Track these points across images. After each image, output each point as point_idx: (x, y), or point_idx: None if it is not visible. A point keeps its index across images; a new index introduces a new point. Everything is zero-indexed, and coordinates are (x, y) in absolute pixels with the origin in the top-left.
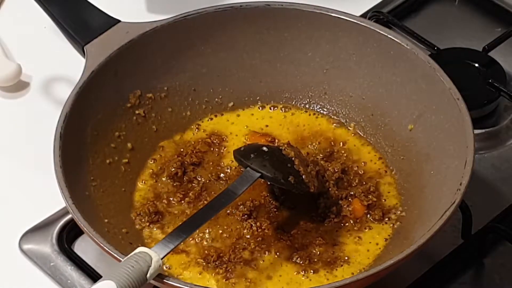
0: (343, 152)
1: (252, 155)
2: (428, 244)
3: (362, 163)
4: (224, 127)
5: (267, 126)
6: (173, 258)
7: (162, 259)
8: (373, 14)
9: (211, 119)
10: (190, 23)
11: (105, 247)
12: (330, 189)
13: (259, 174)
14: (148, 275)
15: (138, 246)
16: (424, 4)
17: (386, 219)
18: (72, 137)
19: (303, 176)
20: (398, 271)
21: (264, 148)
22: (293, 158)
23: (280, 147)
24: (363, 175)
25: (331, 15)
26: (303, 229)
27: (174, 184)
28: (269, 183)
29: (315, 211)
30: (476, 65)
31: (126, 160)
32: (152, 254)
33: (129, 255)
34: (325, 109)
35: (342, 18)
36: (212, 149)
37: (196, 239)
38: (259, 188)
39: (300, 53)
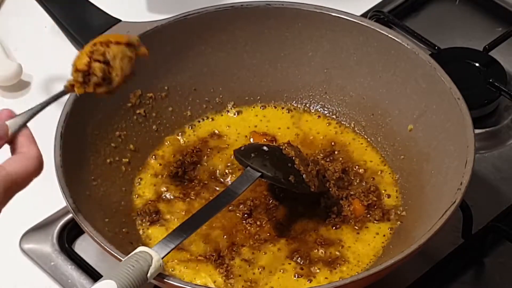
0: (343, 151)
1: (252, 155)
2: (429, 243)
3: (363, 163)
4: (224, 126)
5: (267, 125)
6: (174, 257)
7: (162, 258)
8: (374, 14)
9: (212, 118)
10: (190, 22)
11: (105, 247)
12: (330, 189)
13: (259, 174)
14: (148, 274)
15: (139, 246)
16: (425, 4)
17: (387, 218)
18: (73, 137)
19: (304, 176)
20: (398, 270)
21: (265, 148)
22: (293, 158)
23: (281, 147)
24: (364, 175)
25: (331, 15)
26: (304, 229)
27: (175, 184)
28: (269, 182)
29: (315, 211)
30: (477, 64)
31: (127, 160)
32: (153, 254)
33: (129, 255)
34: (326, 109)
35: (343, 18)
36: (212, 148)
37: (197, 238)
38: (259, 187)
39: (301, 53)
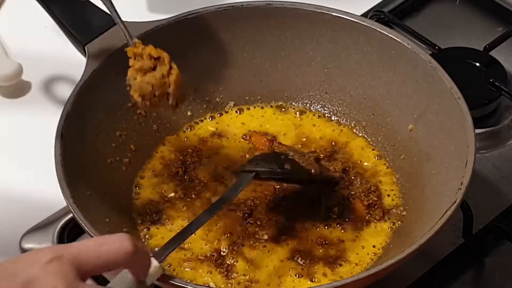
0: (344, 151)
1: (246, 164)
2: (429, 243)
3: (363, 163)
4: (224, 126)
5: (267, 125)
6: (174, 256)
7: (160, 263)
8: (374, 14)
9: (212, 118)
10: (191, 22)
11: None
12: (333, 188)
13: (253, 174)
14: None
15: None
16: (425, 4)
17: (387, 218)
18: (73, 136)
19: (301, 162)
20: (398, 270)
21: (256, 153)
22: (286, 151)
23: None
24: (364, 175)
25: (332, 15)
26: (304, 229)
27: (175, 184)
28: (269, 181)
29: (316, 211)
30: (477, 64)
31: (127, 160)
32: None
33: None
34: (326, 109)
35: (343, 18)
36: (212, 148)
37: (197, 238)
38: (259, 187)
39: (301, 53)
